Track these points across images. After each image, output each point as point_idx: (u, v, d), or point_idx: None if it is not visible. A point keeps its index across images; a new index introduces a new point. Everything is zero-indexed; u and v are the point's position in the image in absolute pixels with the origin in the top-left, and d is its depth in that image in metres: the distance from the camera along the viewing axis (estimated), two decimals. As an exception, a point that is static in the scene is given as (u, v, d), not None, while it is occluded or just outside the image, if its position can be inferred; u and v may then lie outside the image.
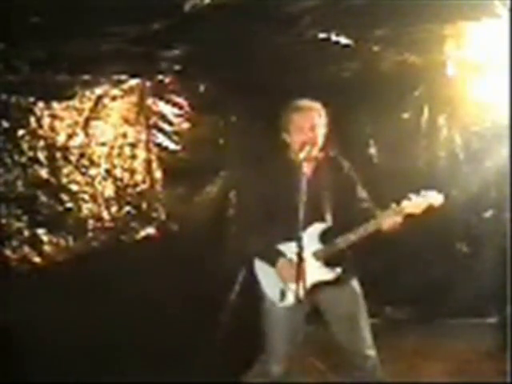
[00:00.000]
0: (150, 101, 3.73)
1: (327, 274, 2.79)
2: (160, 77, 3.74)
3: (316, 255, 2.78)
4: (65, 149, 3.08)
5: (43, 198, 2.95)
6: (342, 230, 2.76)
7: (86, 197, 3.20)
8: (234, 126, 4.46)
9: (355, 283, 2.93)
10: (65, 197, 3.07)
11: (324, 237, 2.81)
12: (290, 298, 2.73)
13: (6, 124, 2.79)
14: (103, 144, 3.33)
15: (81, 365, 2.82)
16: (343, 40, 3.24)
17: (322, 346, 3.47)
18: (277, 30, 2.93)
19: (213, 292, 3.91)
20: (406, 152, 4.61)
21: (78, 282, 2.94)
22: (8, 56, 2.60)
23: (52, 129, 3.02)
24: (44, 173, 2.96)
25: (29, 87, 2.88)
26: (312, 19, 2.79)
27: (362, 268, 2.96)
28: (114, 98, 3.43)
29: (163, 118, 3.86)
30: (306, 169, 2.72)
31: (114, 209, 3.38)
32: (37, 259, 2.88)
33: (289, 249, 2.72)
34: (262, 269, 2.90)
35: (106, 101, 3.36)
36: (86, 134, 3.22)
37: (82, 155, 3.18)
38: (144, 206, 3.64)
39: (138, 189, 3.60)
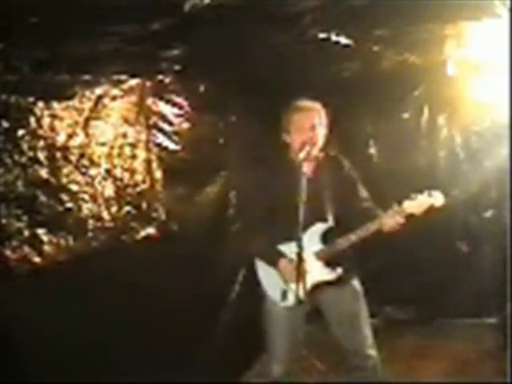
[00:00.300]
0: (149, 101, 3.74)
1: (328, 274, 2.79)
2: (160, 77, 3.74)
3: (317, 255, 2.78)
4: (65, 149, 3.08)
5: (43, 198, 2.94)
6: (343, 230, 2.76)
7: (86, 197, 3.19)
8: (234, 126, 4.47)
9: (356, 283, 2.93)
10: (65, 197, 3.06)
11: (325, 237, 2.80)
12: (291, 298, 2.72)
13: (5, 124, 2.78)
14: (103, 144, 3.33)
15: (81, 365, 2.81)
16: (343, 40, 3.24)
17: (322, 346, 3.46)
18: (277, 30, 2.93)
19: (213, 292, 3.91)
20: (406, 152, 4.62)
21: (78, 282, 2.94)
22: (8, 56, 2.59)
23: (52, 129, 3.01)
24: (44, 173, 2.96)
25: (29, 87, 2.88)
26: (312, 19, 2.78)
27: (362, 267, 2.96)
28: (113, 98, 3.43)
29: (163, 118, 3.86)
30: (306, 169, 2.72)
31: (113, 209, 3.38)
32: (37, 259, 2.88)
33: (289, 249, 2.72)
34: (262, 269, 2.91)
35: (105, 101, 3.36)
36: (86, 134, 3.21)
37: (82, 155, 3.18)
38: (144, 206, 3.64)
39: (138, 189, 3.60)
